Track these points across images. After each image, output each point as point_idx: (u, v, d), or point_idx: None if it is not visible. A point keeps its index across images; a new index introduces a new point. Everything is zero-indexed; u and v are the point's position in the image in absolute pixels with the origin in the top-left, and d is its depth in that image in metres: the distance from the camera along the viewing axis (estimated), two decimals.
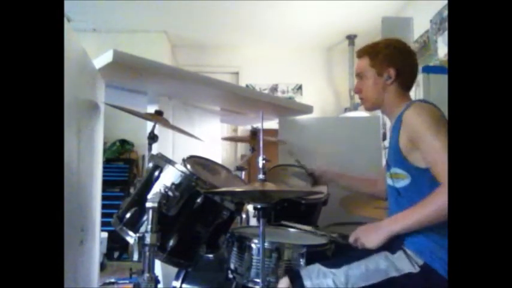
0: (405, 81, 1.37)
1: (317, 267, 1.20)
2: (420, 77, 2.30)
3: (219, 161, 2.27)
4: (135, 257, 1.24)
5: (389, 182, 1.34)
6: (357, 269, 1.17)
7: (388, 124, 1.51)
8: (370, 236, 1.23)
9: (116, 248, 3.79)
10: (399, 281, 1.14)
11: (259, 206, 1.14)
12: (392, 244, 1.20)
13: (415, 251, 1.18)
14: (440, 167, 1.12)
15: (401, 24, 2.92)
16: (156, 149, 1.77)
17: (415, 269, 1.15)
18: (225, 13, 4.29)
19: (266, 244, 1.22)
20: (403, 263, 1.16)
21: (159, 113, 1.78)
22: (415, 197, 1.19)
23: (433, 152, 1.15)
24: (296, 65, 5.31)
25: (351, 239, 1.27)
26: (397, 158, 1.26)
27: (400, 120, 1.26)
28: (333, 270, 1.17)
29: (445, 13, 3.20)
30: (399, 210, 1.23)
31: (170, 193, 1.27)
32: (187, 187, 1.31)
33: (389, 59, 1.35)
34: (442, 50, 3.24)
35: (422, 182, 1.21)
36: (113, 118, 3.27)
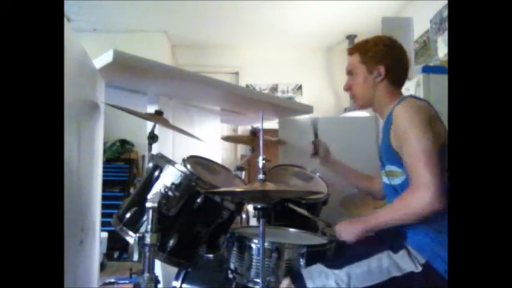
0: (395, 78, 1.37)
1: (319, 267, 1.19)
2: (420, 77, 2.30)
3: (219, 161, 2.27)
4: (135, 257, 1.24)
5: (385, 180, 1.34)
6: (359, 269, 1.16)
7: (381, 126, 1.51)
8: (347, 230, 1.29)
9: (116, 248, 3.78)
10: (401, 281, 1.14)
11: (259, 206, 1.14)
12: (395, 243, 1.21)
13: (417, 249, 1.18)
14: (415, 169, 1.14)
15: (401, 24, 2.92)
16: (156, 149, 1.77)
17: (417, 269, 1.15)
18: (226, 13, 4.29)
19: (266, 244, 1.21)
20: (405, 262, 1.16)
21: (159, 113, 1.78)
22: None
23: (412, 152, 1.16)
24: (296, 65, 5.31)
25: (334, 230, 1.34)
26: (390, 155, 1.27)
27: (391, 117, 1.26)
28: (335, 270, 1.17)
29: (445, 13, 3.20)
30: None
31: (170, 193, 1.27)
32: (187, 187, 1.31)
33: (379, 56, 1.35)
34: (442, 50, 3.24)
35: None
36: (113, 118, 3.26)
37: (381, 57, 1.35)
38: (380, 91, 1.36)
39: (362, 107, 1.45)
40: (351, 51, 1.43)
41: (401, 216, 1.17)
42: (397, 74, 1.37)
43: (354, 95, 1.43)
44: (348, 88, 1.44)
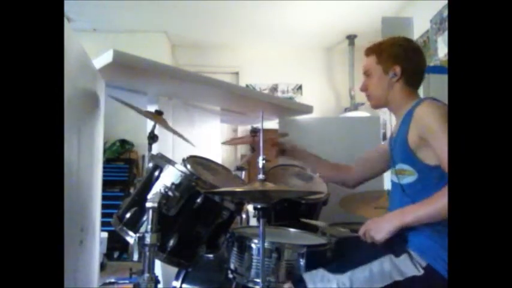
0: (411, 78, 1.37)
1: (321, 272, 1.19)
2: None
3: (219, 161, 2.27)
4: (135, 257, 1.24)
5: (394, 178, 1.34)
6: (361, 273, 1.16)
7: (389, 124, 1.52)
8: (379, 228, 1.20)
9: (116, 248, 3.79)
10: (404, 285, 1.14)
11: (259, 206, 1.14)
12: (397, 247, 1.20)
13: (418, 252, 1.17)
14: None
15: (401, 24, 2.92)
16: (156, 149, 1.77)
17: (419, 272, 1.14)
18: (225, 13, 4.29)
19: (266, 244, 1.21)
20: (407, 266, 1.16)
21: (159, 113, 1.78)
22: (420, 194, 1.19)
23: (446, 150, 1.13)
24: (296, 65, 5.31)
25: (361, 232, 1.26)
26: (405, 153, 1.26)
27: (410, 116, 1.25)
28: (337, 275, 1.16)
29: (445, 13, 3.20)
30: (402, 207, 1.22)
31: (170, 193, 1.26)
32: (187, 187, 1.31)
33: (395, 56, 1.35)
34: (442, 50, 3.24)
35: (429, 179, 1.21)
36: (113, 118, 3.27)
37: (397, 57, 1.35)
38: (396, 91, 1.36)
39: (376, 107, 1.46)
40: (367, 53, 1.43)
41: (445, 211, 1.08)
42: (413, 74, 1.37)
43: (369, 95, 1.44)
44: (364, 89, 1.44)
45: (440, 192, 1.11)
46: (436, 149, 1.17)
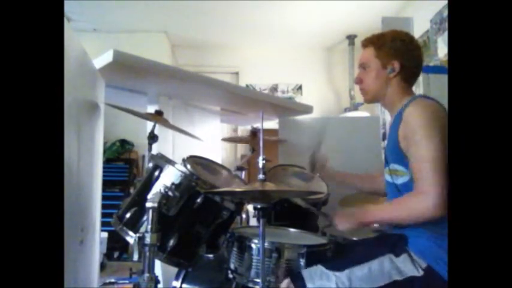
0: (408, 75, 1.35)
1: (320, 269, 1.18)
2: (420, 77, 2.29)
3: (219, 161, 2.27)
4: (135, 257, 1.24)
5: (388, 178, 1.33)
6: (360, 272, 1.15)
7: (388, 123, 1.52)
8: (342, 221, 1.32)
9: (116, 248, 3.78)
10: (402, 285, 1.13)
11: (259, 206, 1.14)
12: (397, 247, 1.20)
13: (419, 254, 1.17)
14: (421, 174, 1.14)
15: (401, 24, 2.92)
16: (156, 149, 1.77)
17: (419, 273, 1.14)
18: (225, 13, 4.29)
19: (266, 244, 1.21)
20: (407, 267, 1.15)
21: (159, 113, 1.78)
22: None
23: (419, 157, 1.15)
24: (296, 65, 5.31)
25: (330, 219, 1.37)
26: (396, 154, 1.26)
27: (400, 116, 1.24)
28: (336, 273, 1.16)
29: (445, 13, 3.20)
30: None
31: (170, 193, 1.26)
32: (187, 187, 1.31)
33: (395, 51, 1.33)
34: (442, 50, 3.24)
35: None
36: (113, 118, 3.27)
37: (397, 52, 1.32)
38: (392, 87, 1.34)
39: (370, 102, 1.43)
40: (365, 44, 1.39)
41: (399, 217, 1.21)
42: (410, 71, 1.35)
43: (363, 88, 1.40)
44: (359, 81, 1.40)
45: (401, 201, 1.21)
46: (412, 153, 1.18)
